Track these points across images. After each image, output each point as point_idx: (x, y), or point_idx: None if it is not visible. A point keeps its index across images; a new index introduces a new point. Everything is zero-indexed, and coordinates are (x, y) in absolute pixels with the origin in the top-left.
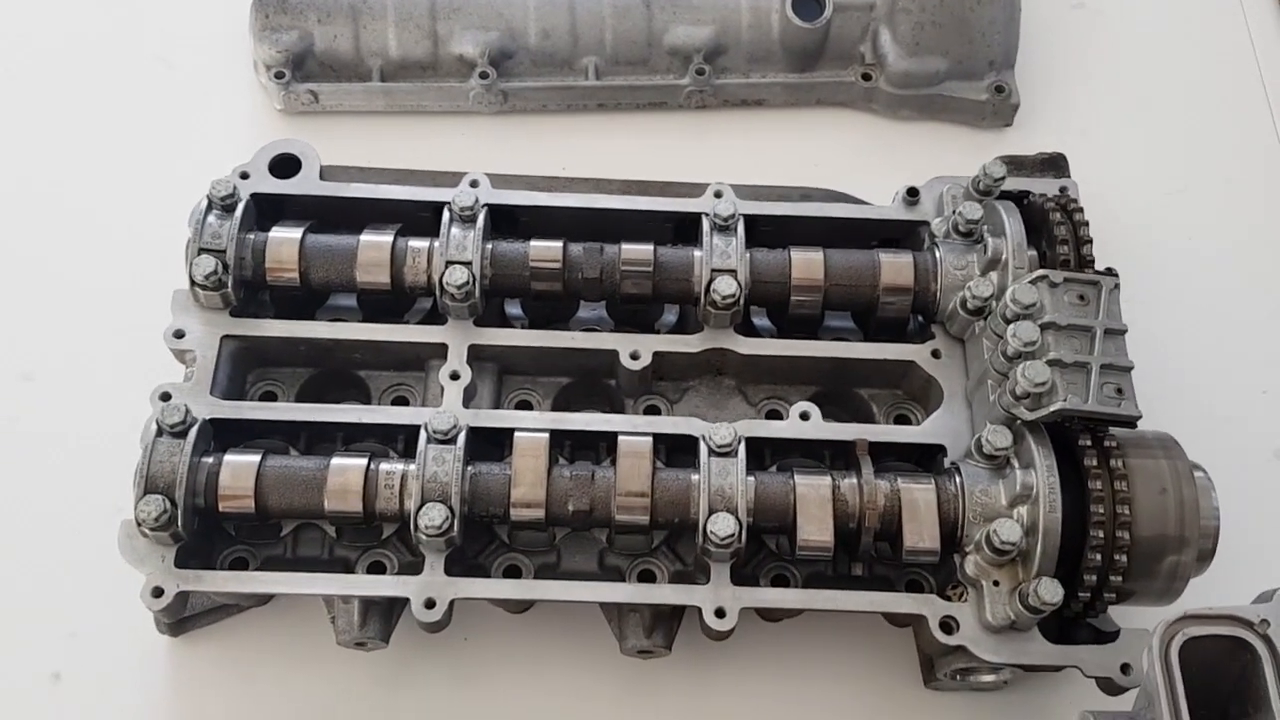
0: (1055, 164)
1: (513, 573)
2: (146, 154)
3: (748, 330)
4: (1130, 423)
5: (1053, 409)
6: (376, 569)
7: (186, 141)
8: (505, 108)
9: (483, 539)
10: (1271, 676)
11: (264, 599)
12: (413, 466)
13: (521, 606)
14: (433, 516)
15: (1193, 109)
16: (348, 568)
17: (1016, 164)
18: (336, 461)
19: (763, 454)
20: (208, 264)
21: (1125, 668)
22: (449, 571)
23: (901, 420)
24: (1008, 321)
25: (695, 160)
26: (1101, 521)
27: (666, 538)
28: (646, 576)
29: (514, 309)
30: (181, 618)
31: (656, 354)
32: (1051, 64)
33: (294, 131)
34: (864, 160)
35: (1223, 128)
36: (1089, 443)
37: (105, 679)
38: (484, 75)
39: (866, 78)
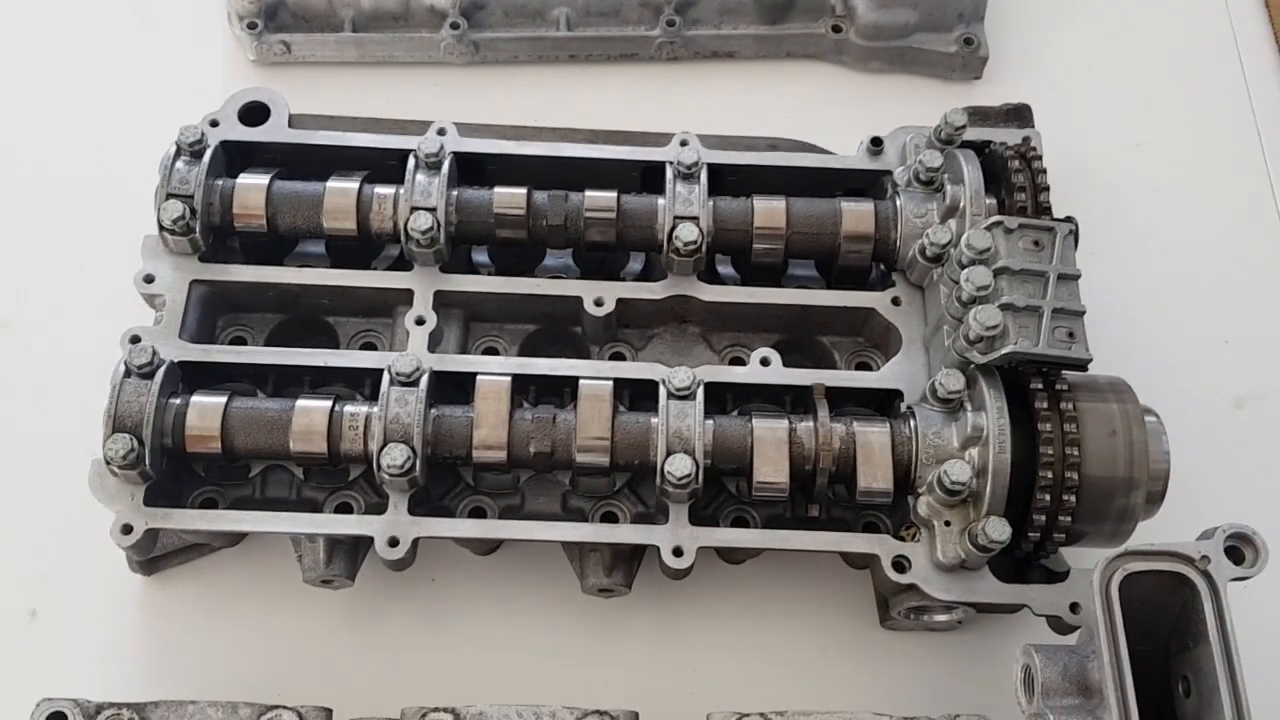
0: (1020, 114)
1: (478, 514)
2: (120, 105)
3: (712, 278)
4: (1081, 366)
5: (1004, 352)
6: (344, 510)
7: (160, 93)
8: (476, 59)
9: (448, 481)
10: (1210, 611)
11: (234, 539)
12: (376, 408)
13: (487, 548)
14: (394, 456)
15: (1163, 61)
16: (315, 508)
17: (981, 115)
18: (301, 403)
19: (724, 399)
20: (175, 209)
21: (1074, 606)
22: (413, 511)
23: (863, 367)
24: (963, 267)
25: (666, 112)
26: (1050, 462)
27: (629, 480)
28: (609, 518)
29: (481, 257)
30: (153, 557)
31: (620, 301)
32: (1021, 17)
33: (267, 82)
34: (834, 113)
35: (1192, 80)
36: (1040, 386)
37: (80, 616)
38: (455, 26)
39: (837, 30)
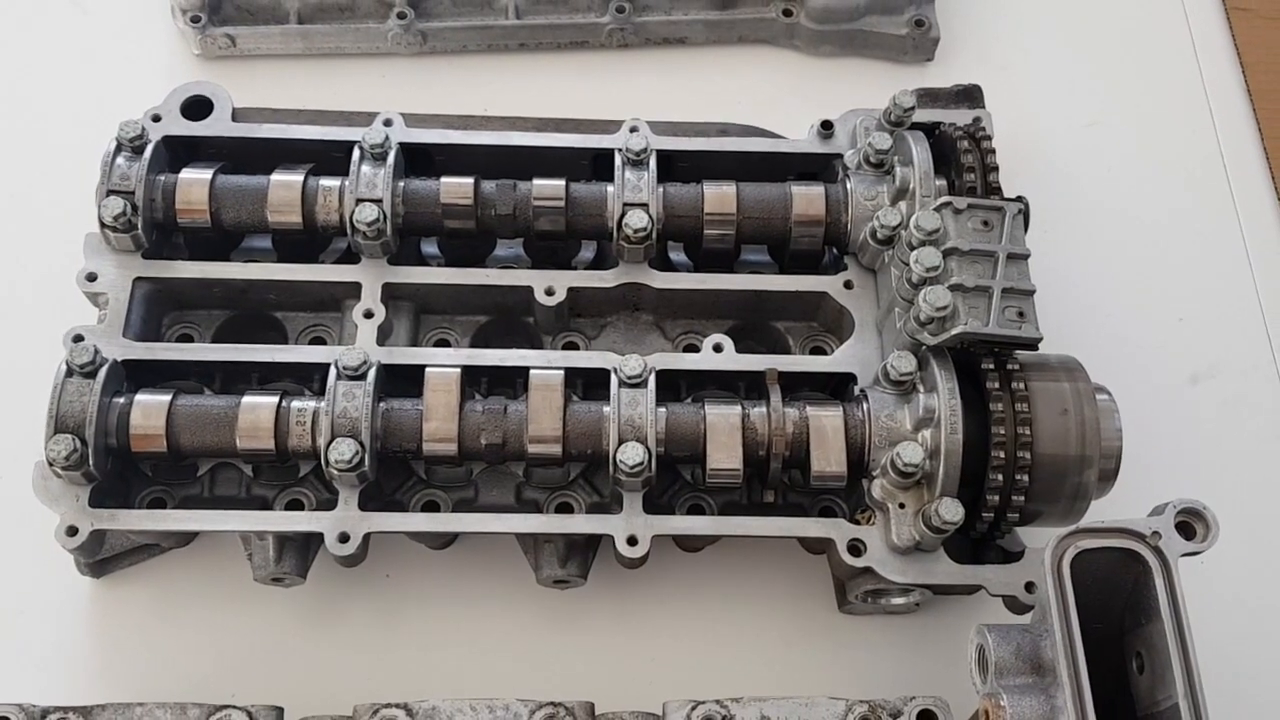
0: (970, 95)
1: (431, 508)
2: (61, 101)
3: (664, 266)
4: (1031, 345)
5: (954, 333)
6: (294, 506)
7: (102, 88)
8: (425, 49)
9: (400, 475)
10: (1161, 587)
11: (185, 539)
12: (323, 403)
13: (442, 542)
14: (342, 451)
15: (1116, 41)
16: (265, 506)
17: (932, 96)
18: (248, 400)
19: (678, 387)
20: (116, 205)
21: (1030, 586)
22: (364, 507)
23: (817, 351)
24: (912, 249)
25: (618, 100)
26: (1003, 442)
27: (583, 471)
28: (564, 509)
29: (431, 249)
30: (102, 558)
31: (571, 290)
32: None
33: (212, 76)
34: (786, 98)
35: (1145, 59)
36: (991, 366)
37: (28, 620)
38: (402, 15)
39: (788, 14)
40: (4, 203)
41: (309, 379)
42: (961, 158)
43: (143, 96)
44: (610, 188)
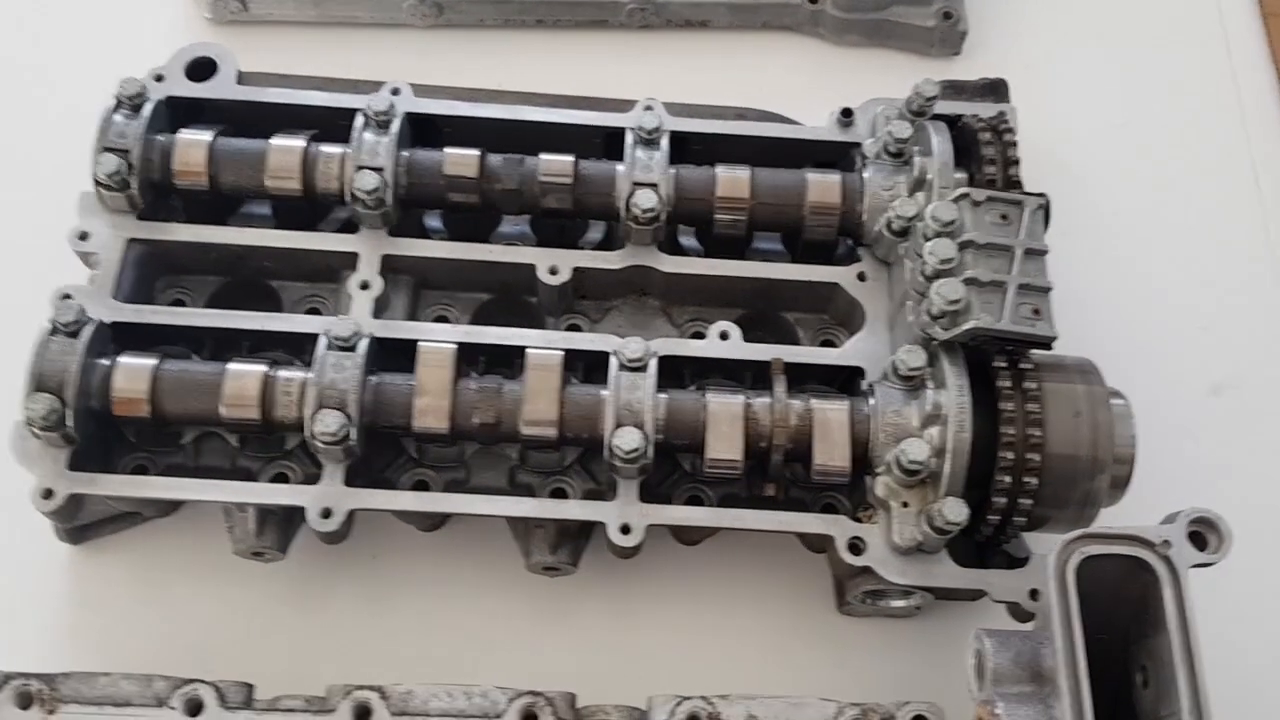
0: (995, 89)
1: (420, 487)
2: (70, 62)
3: (674, 250)
4: (1045, 344)
5: (966, 328)
6: (280, 479)
7: (111, 50)
8: (440, 21)
9: (390, 453)
10: (1170, 598)
11: (166, 508)
12: (311, 373)
13: (431, 523)
14: (328, 424)
15: (1147, 42)
16: (250, 477)
17: (957, 89)
18: (234, 367)
19: (682, 374)
20: (111, 163)
21: (1034, 593)
22: (350, 483)
23: (828, 345)
24: (927, 240)
25: (636, 82)
26: (1012, 443)
27: (580, 456)
28: (558, 494)
29: (435, 222)
30: (81, 525)
31: (576, 270)
32: None
33: (222, 40)
34: (808, 87)
35: (1175, 61)
36: (1004, 364)
37: (2, 584)
38: None
39: (813, 0)
40: (6, 162)
41: (301, 349)
42: (982, 149)
43: (151, 59)
44: (620, 166)
